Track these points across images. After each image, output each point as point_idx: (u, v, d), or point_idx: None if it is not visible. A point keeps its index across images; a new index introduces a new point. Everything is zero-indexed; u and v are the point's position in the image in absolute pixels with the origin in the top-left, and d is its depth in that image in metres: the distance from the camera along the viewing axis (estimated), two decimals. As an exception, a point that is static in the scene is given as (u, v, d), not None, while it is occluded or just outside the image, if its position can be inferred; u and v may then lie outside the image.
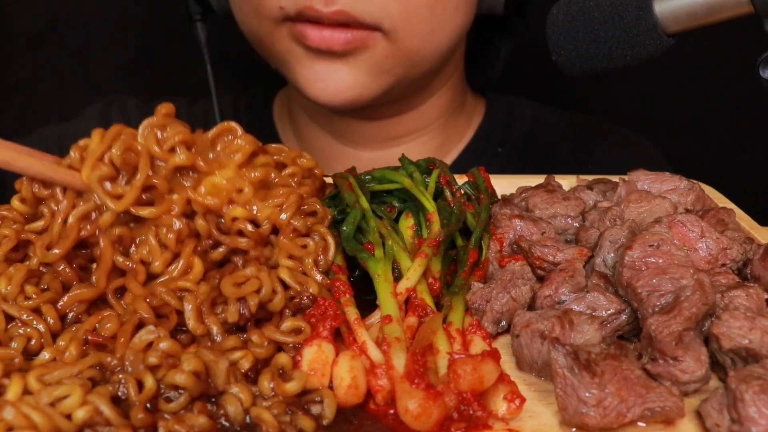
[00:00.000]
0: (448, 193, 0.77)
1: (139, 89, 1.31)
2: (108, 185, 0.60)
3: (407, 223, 0.72)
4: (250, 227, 0.62)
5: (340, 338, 0.59)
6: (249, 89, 1.23)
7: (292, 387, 0.52)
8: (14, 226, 0.62)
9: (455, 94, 1.11)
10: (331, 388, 0.53)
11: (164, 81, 1.37)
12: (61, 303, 0.57)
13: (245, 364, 0.53)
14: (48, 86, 1.38)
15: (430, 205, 0.72)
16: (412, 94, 1.03)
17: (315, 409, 0.51)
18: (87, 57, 1.38)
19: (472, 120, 1.17)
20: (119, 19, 1.39)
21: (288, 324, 0.57)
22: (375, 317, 0.60)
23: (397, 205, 0.76)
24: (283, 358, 0.55)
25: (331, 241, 0.65)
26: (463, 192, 0.79)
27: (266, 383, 0.52)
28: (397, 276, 0.64)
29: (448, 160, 1.12)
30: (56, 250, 0.59)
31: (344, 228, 0.68)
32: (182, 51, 1.19)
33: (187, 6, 1.07)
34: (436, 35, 0.93)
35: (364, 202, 0.72)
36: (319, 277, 0.63)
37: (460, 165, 1.10)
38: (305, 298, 0.60)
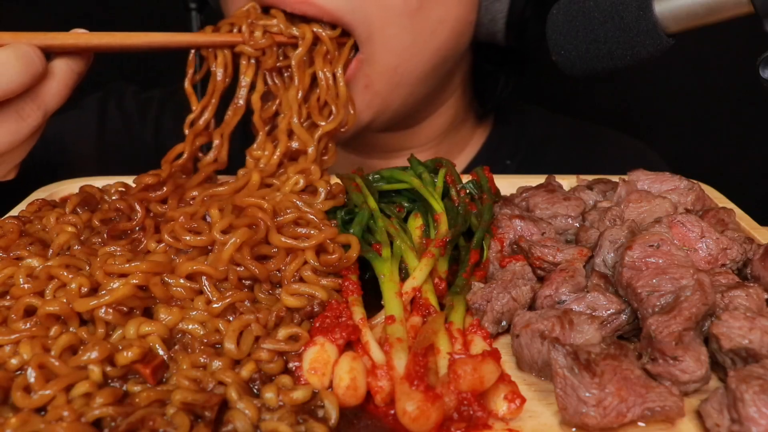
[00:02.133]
0: (453, 192, 0.77)
1: (130, 77, 1.31)
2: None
3: (416, 223, 0.73)
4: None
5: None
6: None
7: (299, 395, 0.51)
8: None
9: (456, 113, 1.09)
10: (331, 388, 0.54)
11: (157, 69, 1.37)
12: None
13: (245, 374, 0.53)
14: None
15: (438, 206, 0.72)
16: (405, 119, 1.00)
17: (319, 413, 0.51)
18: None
19: (475, 133, 1.16)
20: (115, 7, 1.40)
21: (283, 332, 0.57)
22: (381, 317, 0.60)
23: (406, 204, 0.77)
24: (284, 379, 0.54)
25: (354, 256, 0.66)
26: (467, 191, 0.79)
27: (271, 395, 0.51)
28: (404, 276, 0.64)
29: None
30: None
31: (353, 229, 0.69)
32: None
33: None
34: (416, 51, 0.88)
35: (372, 203, 0.73)
36: (324, 282, 0.63)
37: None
38: (315, 306, 0.60)
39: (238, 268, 0.63)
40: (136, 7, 1.41)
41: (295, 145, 0.80)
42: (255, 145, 0.81)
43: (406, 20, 0.85)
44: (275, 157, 0.79)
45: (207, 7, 1.07)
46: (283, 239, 0.65)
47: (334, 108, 0.82)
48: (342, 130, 0.83)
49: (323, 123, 0.81)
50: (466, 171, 1.11)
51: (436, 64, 0.92)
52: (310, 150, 0.79)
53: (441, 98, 1.04)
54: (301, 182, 0.75)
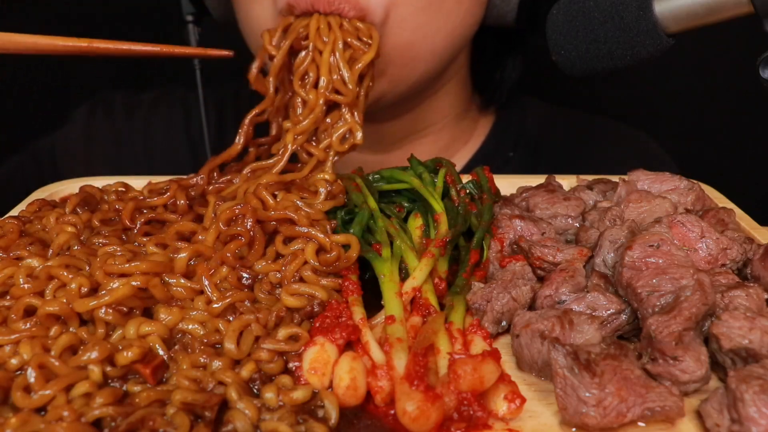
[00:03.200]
0: (453, 192, 0.77)
1: (121, 81, 1.31)
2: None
3: (416, 223, 0.73)
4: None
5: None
6: (234, 85, 1.23)
7: (299, 395, 0.51)
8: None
9: (457, 99, 1.10)
10: (331, 388, 0.54)
11: (154, 76, 1.37)
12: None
13: (245, 374, 0.53)
14: (42, 84, 1.39)
15: (438, 206, 0.73)
16: (409, 97, 1.01)
17: (319, 413, 0.51)
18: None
19: (478, 124, 1.16)
20: (111, 15, 1.40)
21: (283, 332, 0.57)
22: (381, 317, 0.60)
23: (406, 204, 0.77)
24: (284, 379, 0.54)
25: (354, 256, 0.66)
26: (467, 191, 0.79)
27: (271, 395, 0.51)
28: (404, 276, 0.64)
29: (457, 164, 1.12)
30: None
31: (353, 229, 0.69)
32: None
33: (180, 6, 1.06)
34: (431, 30, 0.89)
35: (372, 203, 0.73)
36: (324, 282, 0.63)
37: (471, 170, 1.10)
38: (315, 306, 0.60)
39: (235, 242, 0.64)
40: (134, 21, 1.41)
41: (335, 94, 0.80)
42: (300, 69, 0.80)
43: (423, 1, 0.86)
44: (320, 103, 0.79)
45: (205, 20, 1.07)
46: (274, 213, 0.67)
47: (369, 39, 0.81)
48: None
49: (359, 43, 0.81)
50: (470, 164, 1.11)
51: (452, 43, 0.94)
52: (351, 89, 0.79)
53: (443, 79, 1.04)
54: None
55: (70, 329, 0.56)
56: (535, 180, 0.83)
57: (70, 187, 0.86)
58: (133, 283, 0.57)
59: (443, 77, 1.04)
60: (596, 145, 1.17)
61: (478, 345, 0.57)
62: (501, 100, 1.15)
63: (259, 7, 0.90)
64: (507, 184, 0.85)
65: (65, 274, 0.59)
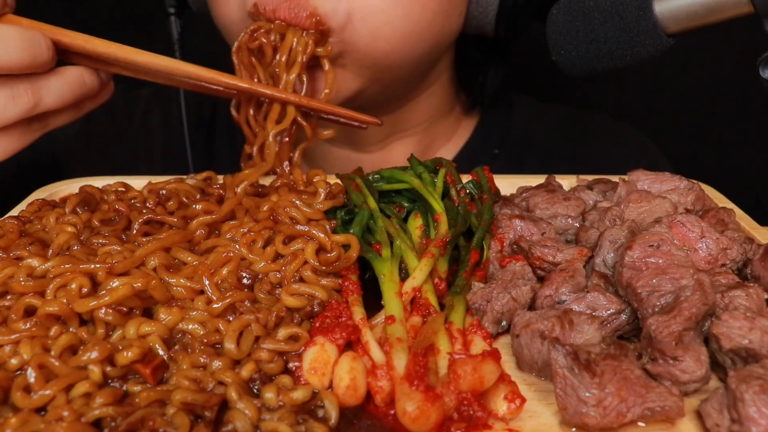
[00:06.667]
0: (453, 192, 0.77)
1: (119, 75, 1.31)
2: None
3: (416, 223, 0.73)
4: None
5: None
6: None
7: (299, 395, 0.51)
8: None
9: (440, 100, 1.09)
10: (331, 388, 0.54)
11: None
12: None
13: (245, 374, 0.53)
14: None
15: (438, 206, 0.73)
16: (389, 100, 1.00)
17: (319, 413, 0.51)
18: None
19: (462, 122, 1.16)
20: (93, 8, 1.40)
21: (283, 332, 0.57)
22: (381, 317, 0.60)
23: (406, 204, 0.77)
24: (284, 379, 0.54)
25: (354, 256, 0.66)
26: (467, 191, 0.79)
27: (271, 395, 0.51)
28: (404, 276, 0.64)
29: None
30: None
31: (352, 229, 0.69)
32: (155, 44, 1.21)
33: None
34: (412, 40, 0.88)
35: (372, 203, 0.73)
36: (324, 282, 0.63)
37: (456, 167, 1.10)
38: (315, 306, 0.60)
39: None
40: (115, 12, 1.41)
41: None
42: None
43: (400, 10, 0.85)
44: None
45: (186, 12, 1.07)
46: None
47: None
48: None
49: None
50: (455, 161, 1.11)
51: (429, 50, 0.93)
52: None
53: (425, 83, 1.03)
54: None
55: (70, 329, 0.56)
56: (535, 180, 0.83)
57: (70, 187, 0.86)
58: (134, 284, 0.57)
59: (425, 82, 1.03)
60: (585, 140, 1.16)
61: (478, 345, 0.57)
62: (485, 102, 1.15)
63: (228, 8, 0.90)
64: (507, 184, 0.85)
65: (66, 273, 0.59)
